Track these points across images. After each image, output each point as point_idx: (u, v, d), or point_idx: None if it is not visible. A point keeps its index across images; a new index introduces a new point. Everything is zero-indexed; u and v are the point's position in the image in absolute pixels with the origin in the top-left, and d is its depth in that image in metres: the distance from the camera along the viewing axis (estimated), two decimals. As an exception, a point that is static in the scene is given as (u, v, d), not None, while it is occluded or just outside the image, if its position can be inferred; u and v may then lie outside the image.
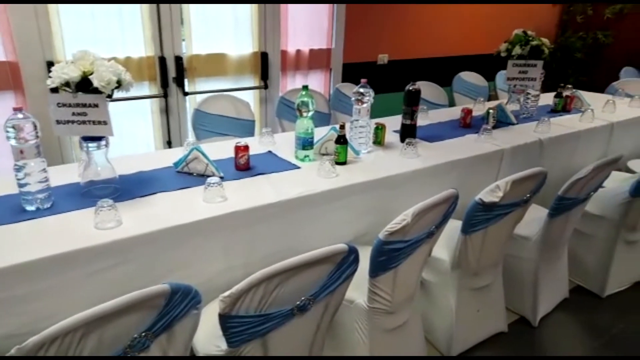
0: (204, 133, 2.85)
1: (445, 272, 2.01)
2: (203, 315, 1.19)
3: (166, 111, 3.35)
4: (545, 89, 3.90)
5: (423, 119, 2.92)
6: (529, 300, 2.32)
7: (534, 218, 2.20)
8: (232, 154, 2.03)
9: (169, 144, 3.42)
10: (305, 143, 2.13)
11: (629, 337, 2.29)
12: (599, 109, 3.19)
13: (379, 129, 2.42)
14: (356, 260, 1.29)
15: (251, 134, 2.94)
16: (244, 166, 2.01)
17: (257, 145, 2.35)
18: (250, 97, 3.68)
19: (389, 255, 1.51)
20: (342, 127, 2.09)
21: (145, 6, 3.06)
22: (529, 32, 2.90)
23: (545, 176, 1.90)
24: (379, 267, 1.54)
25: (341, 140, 2.10)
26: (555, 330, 2.33)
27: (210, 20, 3.34)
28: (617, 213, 2.45)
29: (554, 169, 2.53)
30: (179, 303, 1.06)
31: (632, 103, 3.44)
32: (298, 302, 1.24)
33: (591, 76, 5.03)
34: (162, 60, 3.21)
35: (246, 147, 1.99)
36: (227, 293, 1.10)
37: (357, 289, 1.65)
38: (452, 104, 3.89)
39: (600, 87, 4.22)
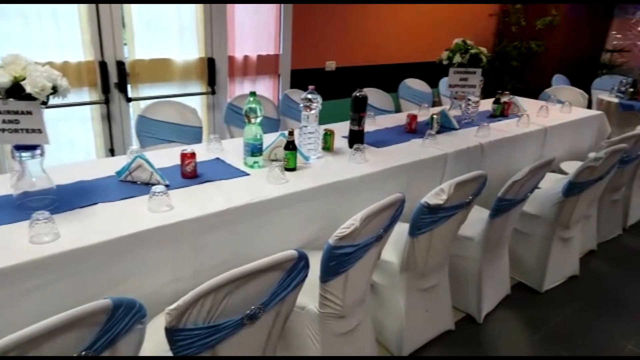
0: (149, 140, 2.76)
1: (394, 274, 2.05)
2: (149, 330, 1.14)
3: (108, 118, 3.22)
4: (485, 95, 4.09)
5: (370, 125, 2.98)
6: (473, 298, 2.41)
7: (477, 219, 2.29)
8: (178, 162, 1.98)
9: (111, 152, 3.28)
10: (254, 149, 2.12)
11: (565, 329, 2.43)
12: (534, 114, 3.38)
13: (328, 135, 2.45)
14: (306, 266, 1.29)
15: (198, 140, 2.88)
16: (190, 174, 1.96)
17: (204, 152, 2.31)
18: (197, 103, 3.61)
19: (339, 260, 1.53)
20: (291, 133, 2.09)
21: (83, 7, 2.93)
22: (468, 41, 3.04)
23: (486, 179, 1.99)
24: (329, 272, 1.55)
25: (290, 146, 2.10)
26: (499, 326, 2.44)
27: (154, 24, 3.25)
28: (552, 212, 2.60)
29: (494, 171, 2.65)
30: (122, 318, 1.01)
31: (563, 109, 3.67)
32: (248, 311, 1.22)
33: (526, 83, 5.33)
34: (103, 65, 3.09)
35: (193, 155, 1.95)
36: (173, 306, 1.06)
37: (308, 295, 1.65)
38: (398, 109, 4.00)
39: (534, 93, 4.48)
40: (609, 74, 5.43)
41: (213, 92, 3.66)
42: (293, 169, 2.12)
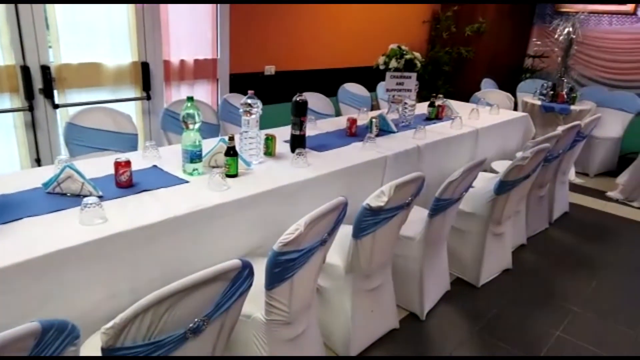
0: (79, 149, 2.61)
1: (340, 277, 2.06)
2: (84, 351, 1.08)
3: (33, 126, 3.01)
4: (420, 99, 4.24)
5: (312, 129, 2.99)
6: (416, 296, 2.48)
7: (417, 219, 2.37)
8: (112, 171, 1.89)
9: (37, 162, 3.07)
10: (193, 156, 2.06)
11: (501, 320, 2.56)
12: (466, 117, 3.55)
13: (269, 140, 2.43)
14: (251, 274, 1.27)
15: (134, 148, 2.76)
16: (126, 183, 1.87)
17: (140, 160, 2.22)
18: (132, 109, 3.46)
19: (284, 266, 1.52)
20: (232, 138, 2.05)
21: (1, 7, 2.72)
22: (403, 47, 3.14)
23: (424, 180, 2.06)
24: (274, 278, 1.54)
25: (231, 152, 2.07)
26: (441, 321, 2.53)
27: (81, 26, 3.08)
28: (486, 210, 2.74)
29: (431, 172, 2.75)
30: (53, 341, 0.94)
31: (492, 111, 3.88)
32: (191, 325, 1.18)
33: (458, 87, 5.58)
34: (26, 70, 2.88)
35: (127, 163, 1.87)
36: (109, 324, 1.01)
37: (254, 303, 1.63)
38: (338, 113, 4.05)
39: (465, 96, 4.70)
40: (532, 78, 5.82)
41: (148, 98, 3.53)
42: (234, 175, 2.09)
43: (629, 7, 5.27)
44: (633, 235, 3.75)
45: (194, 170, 2.07)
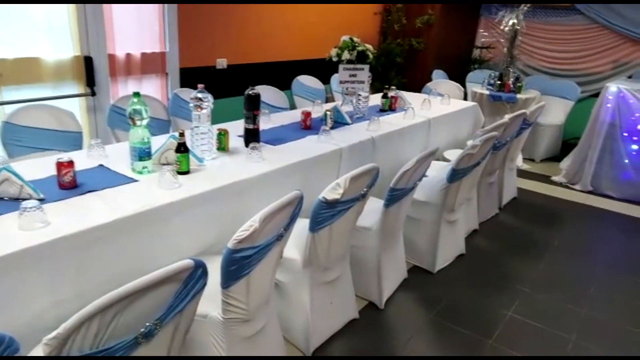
0: (19, 149, 2.46)
1: (298, 271, 2.06)
2: (26, 364, 1.01)
3: (-36, 126, 2.81)
4: (374, 90, 4.28)
5: (266, 123, 2.96)
6: (374, 286, 2.52)
7: (372, 209, 2.39)
8: (54, 172, 1.79)
9: (-29, 164, 2.87)
10: (142, 154, 1.98)
11: (457, 304, 2.64)
12: (418, 107, 3.61)
13: (222, 135, 2.38)
14: (204, 274, 1.23)
15: (78, 147, 2.63)
16: (69, 184, 1.78)
17: (85, 159, 2.12)
18: (75, 106, 3.29)
19: (239, 264, 1.49)
20: (182, 134, 1.99)
21: None
22: (355, 39, 3.14)
23: (378, 171, 2.07)
24: (230, 276, 1.51)
25: (182, 148, 2.00)
26: (399, 309, 2.57)
27: (15, 18, 2.89)
28: (439, 198, 2.80)
29: (386, 163, 2.79)
30: (-11, 357, 0.88)
31: (443, 101, 3.97)
32: (142, 329, 1.14)
33: (410, 78, 5.67)
34: (-47, 65, 2.68)
35: (70, 163, 1.77)
36: (52, 334, 0.95)
37: (210, 302, 1.59)
38: (292, 106, 4.02)
39: (417, 87, 4.78)
40: (480, 69, 6.00)
41: (93, 94, 3.37)
42: (186, 172, 2.03)
43: (568, -1, 5.53)
44: (576, 217, 3.95)
45: (143, 168, 2.00)
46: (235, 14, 4.22)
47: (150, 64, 3.68)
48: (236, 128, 2.59)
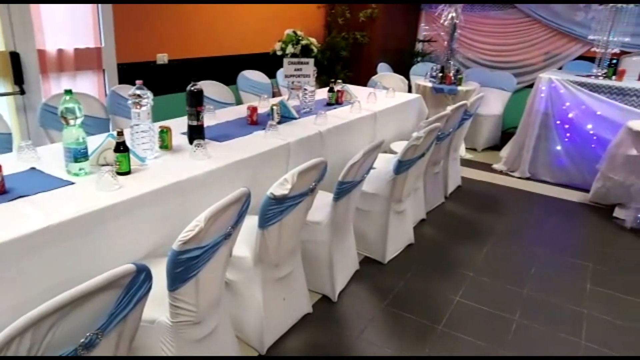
0: (-63, 154, 2.26)
1: (249, 269, 2.03)
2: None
3: None
4: (321, 84, 4.29)
5: (211, 119, 2.89)
6: (327, 279, 2.53)
7: (322, 204, 2.39)
8: (-23, 178, 1.66)
9: None
10: (78, 154, 1.88)
11: (407, 292, 2.70)
12: (364, 101, 3.65)
13: (164, 133, 2.29)
14: (148, 278, 1.18)
15: (7, 149, 2.45)
16: (-4, 190, 1.66)
17: (15, 162, 1.98)
18: (3, 106, 3.07)
19: (186, 265, 1.44)
20: (120, 133, 1.90)
21: None
22: (299, 32, 3.12)
23: (326, 165, 2.07)
24: (177, 279, 1.46)
25: (121, 147, 1.91)
26: (352, 300, 2.60)
27: None
28: (387, 189, 2.85)
29: (334, 156, 2.80)
30: None
31: (388, 94, 4.03)
32: (83, 340, 1.08)
33: (356, 72, 5.73)
34: None
35: (-3, 167, 1.65)
36: (-22, 353, 0.88)
37: (157, 307, 1.54)
38: (239, 102, 3.95)
39: (363, 81, 4.84)
40: (423, 61, 6.15)
41: (22, 92, 3.15)
42: (127, 173, 1.94)
43: (502, -6, 5.77)
44: (516, 202, 4.15)
45: (79, 170, 1.89)
46: (175, 7, 4.08)
47: (85, 59, 3.48)
48: (180, 125, 2.51)
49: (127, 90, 2.29)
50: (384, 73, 5.14)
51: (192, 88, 2.30)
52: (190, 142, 2.33)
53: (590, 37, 4.61)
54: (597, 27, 4.47)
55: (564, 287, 2.84)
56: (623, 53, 4.88)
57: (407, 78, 5.25)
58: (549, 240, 3.49)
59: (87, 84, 3.57)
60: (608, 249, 3.36)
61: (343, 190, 2.32)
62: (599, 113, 4.17)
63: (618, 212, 3.85)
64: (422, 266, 2.99)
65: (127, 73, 3.75)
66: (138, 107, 2.07)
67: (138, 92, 2.05)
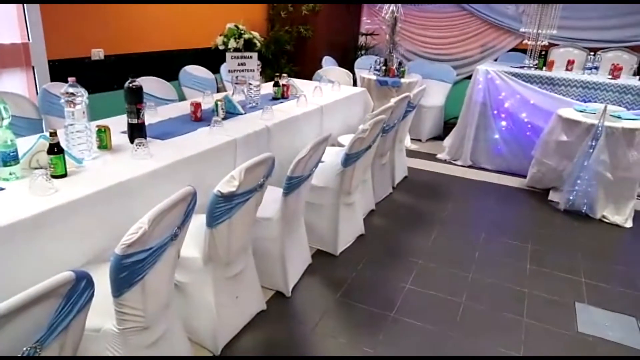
0: None
1: (199, 269, 1.98)
2: None
3: None
4: (267, 78, 4.24)
5: (152, 116, 2.79)
6: (280, 275, 2.51)
7: (272, 199, 2.37)
8: None
9: None
10: (7, 158, 1.76)
11: (359, 282, 2.74)
12: (310, 95, 3.65)
13: (102, 132, 2.19)
14: (89, 286, 1.12)
15: None
16: None
17: None
18: None
19: (131, 269, 1.38)
20: (54, 134, 1.79)
21: None
22: (241, 26, 3.07)
23: (274, 160, 2.05)
24: (122, 284, 1.40)
25: (55, 149, 1.81)
26: (306, 294, 2.61)
27: None
28: (336, 182, 2.87)
29: (282, 151, 2.78)
30: None
31: (334, 88, 4.06)
32: (21, 354, 1.01)
33: (301, 65, 5.71)
34: None
35: None
36: None
37: (102, 314, 1.47)
38: (182, 98, 3.83)
39: (309, 74, 4.83)
40: (367, 55, 6.23)
41: (-61, 92, 2.90)
42: (63, 176, 1.84)
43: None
44: (459, 190, 4.32)
45: (9, 174, 1.77)
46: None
47: (10, 56, 3.25)
48: (119, 124, 2.41)
49: (60, 88, 2.16)
50: (329, 67, 5.16)
51: (131, 84, 2.20)
52: (131, 141, 2.23)
53: (522, 30, 4.85)
54: (527, 20, 4.71)
55: (506, 268, 2.99)
56: (552, 45, 5.18)
57: (352, 71, 5.30)
58: (491, 224, 3.65)
59: (14, 82, 3.34)
60: (544, 230, 3.57)
61: (292, 184, 2.32)
62: (532, 102, 4.41)
63: (552, 195, 4.09)
64: (373, 256, 3.04)
65: (60, 70, 3.54)
66: (72, 105, 1.96)
67: (71, 90, 1.94)
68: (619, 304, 2.66)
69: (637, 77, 4.46)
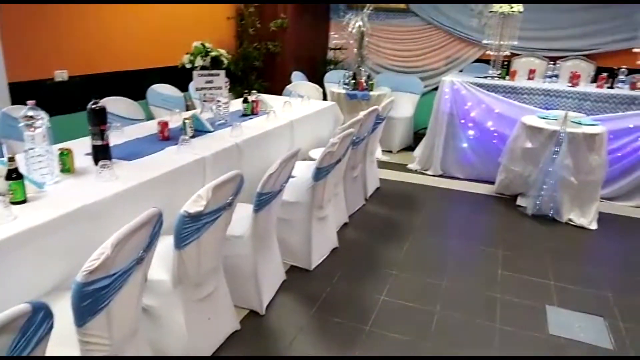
0: None
1: (168, 292, 1.94)
2: None
3: None
4: (236, 95, 4.23)
5: (119, 137, 2.74)
6: (253, 293, 2.48)
7: (242, 216, 2.35)
8: None
9: None
10: (-38, 186, 1.69)
11: (334, 296, 2.73)
12: (280, 110, 3.66)
13: (65, 155, 2.14)
14: (47, 317, 1.08)
15: None
16: None
17: None
18: None
19: (94, 296, 1.34)
20: (12, 159, 1.74)
21: None
22: (207, 44, 3.07)
23: (242, 178, 2.04)
24: (85, 312, 1.35)
25: (14, 175, 1.75)
26: (281, 312, 2.58)
27: None
28: (307, 197, 2.87)
29: (253, 168, 2.76)
30: None
31: (303, 102, 4.08)
32: (-27, 394, 0.96)
33: (271, 81, 5.73)
34: None
35: None
36: None
37: (65, 344, 1.42)
38: (150, 117, 3.78)
39: (279, 90, 4.85)
40: (335, 69, 6.30)
41: None
42: (22, 202, 1.78)
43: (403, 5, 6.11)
44: (431, 199, 4.37)
45: (-35, 203, 1.70)
46: (74, 20, 3.83)
47: (-32, 79, 3.16)
48: (83, 146, 2.36)
49: (21, 111, 2.11)
50: (299, 82, 5.19)
51: (94, 106, 2.16)
52: (96, 163, 2.19)
53: (485, 41, 4.99)
54: (490, 32, 4.85)
55: (478, 275, 3.03)
56: (514, 55, 5.35)
57: (322, 86, 5.35)
58: (462, 231, 3.71)
59: (-28, 107, 3.23)
60: (514, 235, 3.65)
61: (263, 201, 2.30)
62: (497, 111, 4.53)
63: (520, 201, 4.19)
64: (348, 269, 3.04)
65: (21, 92, 3.45)
66: (32, 129, 1.91)
67: (30, 113, 1.90)
68: (586, 305, 2.73)
69: (595, 84, 4.64)
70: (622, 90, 4.35)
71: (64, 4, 3.71)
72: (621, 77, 4.48)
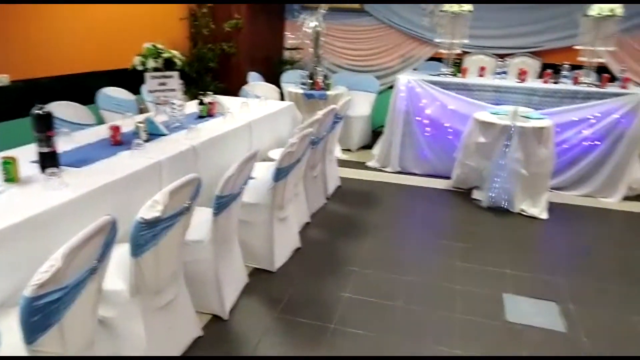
0: None
1: (125, 302, 1.87)
2: None
3: None
4: (191, 97, 4.14)
5: (67, 143, 2.63)
6: (215, 298, 2.44)
7: (202, 220, 2.31)
8: None
9: None
10: None
11: (299, 296, 2.73)
12: (237, 111, 3.61)
13: (8, 164, 2.03)
14: (-8, 335, 1.02)
15: None
16: None
17: None
18: None
19: (45, 311, 1.28)
20: (-52, 170, 1.63)
21: None
22: (159, 45, 2.99)
23: (200, 181, 2.00)
24: (36, 328, 1.29)
25: (-49, 187, 1.65)
26: (244, 315, 2.55)
27: None
28: (268, 198, 2.85)
29: (211, 171, 2.72)
30: None
31: (261, 103, 4.05)
32: None
33: (227, 82, 5.65)
34: None
35: None
36: None
37: (15, 364, 1.34)
38: (101, 122, 3.65)
39: (235, 91, 4.79)
40: (292, 69, 6.28)
41: None
42: (-37, 215, 1.67)
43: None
44: (390, 196, 4.45)
45: None
46: (15, 21, 3.63)
47: None
48: (29, 153, 2.24)
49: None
50: (256, 82, 5.15)
51: (38, 111, 2.06)
52: (43, 171, 2.09)
53: (437, 40, 5.12)
54: (441, 31, 4.98)
55: (438, 267, 3.11)
56: (465, 53, 5.51)
57: (279, 86, 5.32)
58: (421, 226, 3.79)
59: None
60: (470, 227, 3.76)
61: (222, 204, 2.27)
62: (450, 107, 4.65)
63: (475, 194, 4.33)
64: (311, 268, 3.04)
65: (-42, 99, 3.25)
66: (-30, 137, 1.80)
67: (-32, 120, 1.78)
68: (540, 291, 2.85)
69: (541, 79, 4.85)
70: (566, 85, 4.58)
71: (2, 3, 3.52)
72: (564, 72, 4.70)
